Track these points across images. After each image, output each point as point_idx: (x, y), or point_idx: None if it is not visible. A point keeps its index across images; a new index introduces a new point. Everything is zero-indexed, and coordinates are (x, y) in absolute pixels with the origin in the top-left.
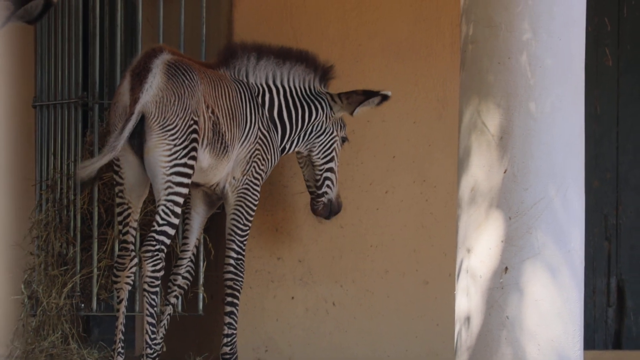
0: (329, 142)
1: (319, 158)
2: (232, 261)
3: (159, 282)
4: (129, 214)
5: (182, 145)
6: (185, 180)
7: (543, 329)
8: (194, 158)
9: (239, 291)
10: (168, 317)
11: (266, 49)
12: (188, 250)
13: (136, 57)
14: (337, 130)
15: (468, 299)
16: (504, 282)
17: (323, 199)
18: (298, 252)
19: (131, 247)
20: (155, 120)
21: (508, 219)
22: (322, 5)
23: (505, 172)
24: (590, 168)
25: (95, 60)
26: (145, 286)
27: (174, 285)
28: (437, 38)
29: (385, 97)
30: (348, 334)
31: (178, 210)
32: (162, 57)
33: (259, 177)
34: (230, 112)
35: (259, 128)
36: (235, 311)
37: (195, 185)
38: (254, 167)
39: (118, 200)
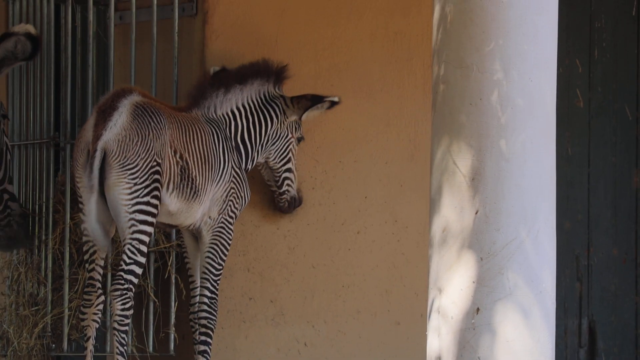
0: (284, 145)
1: (276, 162)
2: (206, 299)
3: (128, 320)
4: (94, 252)
5: (143, 184)
6: (149, 219)
7: None
8: (157, 197)
9: (212, 330)
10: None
11: (231, 77)
12: (197, 287)
13: (105, 95)
14: (292, 133)
15: (439, 340)
16: (475, 322)
17: (285, 196)
18: (270, 292)
19: (97, 284)
20: (116, 159)
21: (480, 259)
22: (295, 46)
23: (477, 213)
24: (561, 209)
25: (67, 100)
26: (115, 325)
27: (195, 322)
28: (408, 78)
29: (333, 103)
30: None
31: (144, 248)
32: (131, 98)
33: (234, 216)
34: (202, 155)
35: (232, 167)
36: (209, 350)
37: (169, 226)
38: (230, 205)
39: (84, 238)
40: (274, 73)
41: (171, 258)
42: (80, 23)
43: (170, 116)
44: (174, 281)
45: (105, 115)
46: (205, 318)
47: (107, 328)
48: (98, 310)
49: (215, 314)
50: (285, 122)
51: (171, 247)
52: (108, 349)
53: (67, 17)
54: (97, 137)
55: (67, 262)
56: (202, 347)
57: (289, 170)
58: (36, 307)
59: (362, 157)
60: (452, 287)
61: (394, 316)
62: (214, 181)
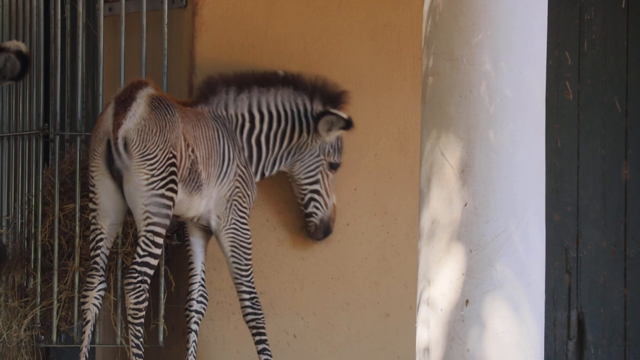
0: (312, 164)
1: (299, 178)
2: (247, 302)
3: (143, 313)
4: (101, 239)
5: (160, 176)
6: (164, 211)
7: None
8: (172, 190)
9: (263, 327)
10: (194, 344)
11: (249, 78)
12: (196, 275)
13: (122, 86)
14: (323, 154)
15: (428, 332)
16: (464, 315)
17: (313, 219)
18: (259, 284)
19: (101, 270)
20: (136, 148)
21: (469, 251)
22: (284, 38)
23: (466, 205)
24: (550, 201)
25: (57, 91)
26: (130, 318)
27: (191, 311)
28: (398, 70)
29: (346, 124)
30: None
31: (159, 240)
32: (147, 90)
33: (244, 214)
34: (207, 151)
35: (237, 165)
36: (267, 347)
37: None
38: (236, 204)
39: (92, 226)
40: (321, 90)
41: (161, 250)
42: (70, 14)
43: (181, 110)
44: (163, 273)
45: (124, 105)
46: (253, 319)
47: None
48: (99, 295)
49: (260, 311)
50: (317, 141)
51: None
52: (97, 340)
53: (56, 9)
54: (117, 125)
55: (56, 254)
56: (260, 346)
57: (316, 191)
58: (25, 299)
59: (352, 149)
60: (441, 279)
61: (383, 308)
62: (217, 178)
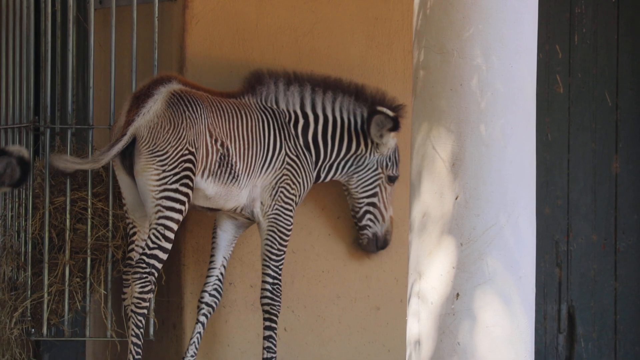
0: (370, 178)
1: (357, 191)
2: (268, 286)
3: (146, 303)
4: (134, 233)
5: (172, 172)
6: (177, 206)
7: (494, 356)
8: (186, 185)
9: (276, 315)
10: (198, 335)
11: (302, 75)
12: (215, 268)
13: (143, 82)
14: (382, 167)
15: (419, 325)
16: (455, 308)
17: (366, 232)
18: (250, 277)
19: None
20: (145, 145)
21: (460, 245)
22: (275, 31)
23: (456, 199)
24: (541, 195)
25: (47, 84)
26: (132, 307)
27: (202, 303)
28: (389, 64)
29: (393, 123)
30: (299, 359)
31: (170, 234)
32: (169, 86)
33: (290, 202)
34: (245, 142)
35: (286, 154)
36: (274, 335)
37: (210, 210)
38: (282, 192)
39: (127, 220)
40: (380, 104)
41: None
42: (60, 7)
43: (211, 104)
44: None
45: (139, 101)
46: (268, 304)
47: (86, 313)
48: None
49: (278, 299)
50: (375, 153)
51: None
52: (88, 333)
53: (46, 1)
54: (128, 122)
55: (46, 247)
56: (268, 332)
57: (372, 204)
58: (15, 292)
59: None
60: (432, 272)
61: (374, 301)
62: (259, 168)
